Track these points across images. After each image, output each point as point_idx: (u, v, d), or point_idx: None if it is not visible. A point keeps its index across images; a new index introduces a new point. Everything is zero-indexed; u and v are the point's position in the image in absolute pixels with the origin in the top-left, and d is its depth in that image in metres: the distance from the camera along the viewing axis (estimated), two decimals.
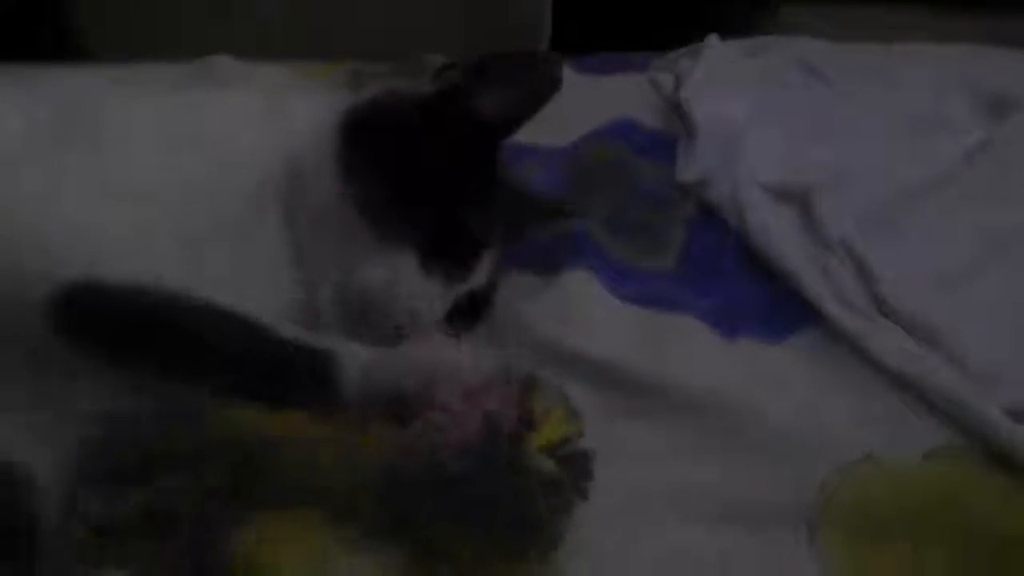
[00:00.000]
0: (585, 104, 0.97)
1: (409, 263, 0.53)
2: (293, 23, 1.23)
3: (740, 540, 0.49)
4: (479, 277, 0.57)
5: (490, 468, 0.43)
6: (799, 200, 0.75)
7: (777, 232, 0.71)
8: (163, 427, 0.45)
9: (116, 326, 0.46)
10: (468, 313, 0.58)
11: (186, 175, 0.51)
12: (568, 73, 1.01)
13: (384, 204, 0.53)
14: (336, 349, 0.47)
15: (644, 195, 0.81)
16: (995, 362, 0.57)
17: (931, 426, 0.55)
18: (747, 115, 0.88)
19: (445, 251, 0.55)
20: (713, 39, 1.01)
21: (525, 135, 0.85)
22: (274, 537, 0.42)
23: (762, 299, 0.68)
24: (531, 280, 0.66)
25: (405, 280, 0.53)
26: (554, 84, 0.61)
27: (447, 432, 0.43)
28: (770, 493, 0.51)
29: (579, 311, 0.62)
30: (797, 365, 0.61)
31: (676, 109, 0.92)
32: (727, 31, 1.13)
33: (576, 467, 0.47)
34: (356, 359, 0.47)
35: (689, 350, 0.61)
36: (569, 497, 0.45)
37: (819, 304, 0.64)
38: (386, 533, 0.42)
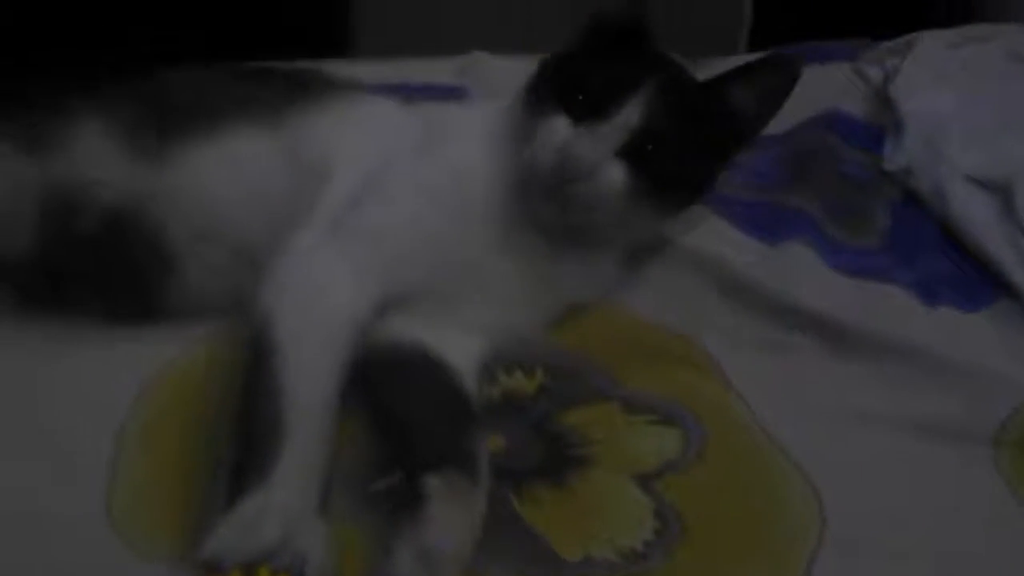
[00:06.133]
0: (796, 93, 1.09)
1: (560, 121, 0.62)
2: None
3: (929, 451, 0.62)
4: (626, 117, 0.61)
5: None
6: (999, 189, 0.85)
7: (978, 219, 0.82)
8: None
9: None
10: (645, 169, 0.62)
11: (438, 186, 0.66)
12: None
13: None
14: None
15: (851, 179, 0.93)
16: None
17: None
18: (954, 107, 0.97)
19: (591, 109, 0.62)
20: (924, 34, 1.09)
21: None
22: None
23: (960, 275, 0.79)
24: (757, 245, 0.80)
25: (558, 132, 0.62)
26: (794, 81, 0.67)
27: None
28: (954, 420, 0.64)
29: (802, 276, 0.75)
30: (990, 329, 0.73)
31: (884, 101, 1.02)
32: (932, 18, 1.20)
33: None
34: None
35: (895, 312, 0.74)
36: None
37: (1012, 280, 0.75)
38: None
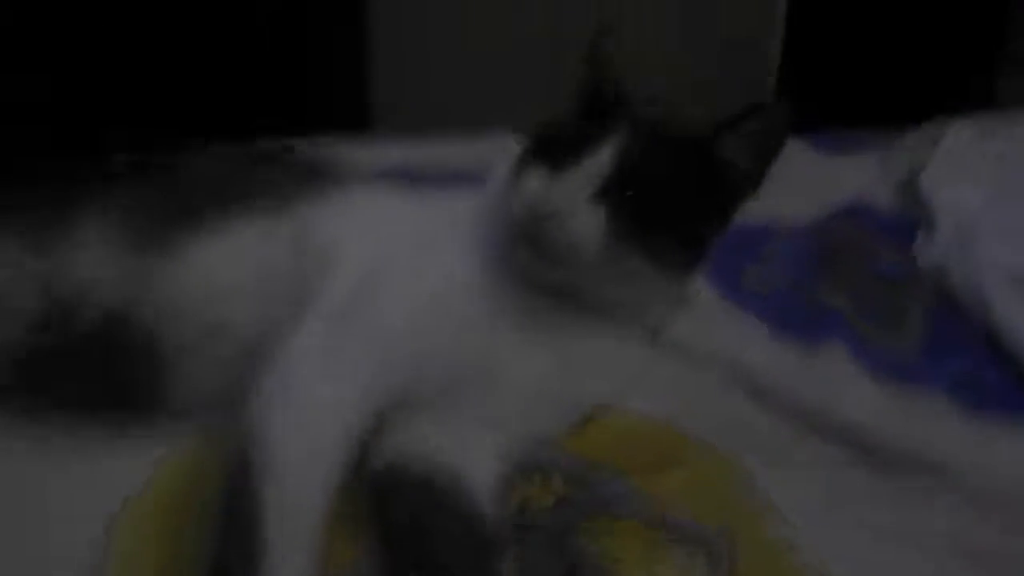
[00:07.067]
0: (823, 182, 1.07)
1: (536, 172, 0.61)
2: None
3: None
4: (598, 161, 0.60)
5: None
6: None
7: (1018, 322, 0.78)
8: None
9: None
10: (626, 216, 0.60)
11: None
12: (807, 150, 1.12)
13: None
14: None
15: (883, 276, 0.90)
16: None
17: None
18: (985, 200, 0.94)
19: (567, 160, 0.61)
20: (952, 125, 1.07)
21: (768, 209, 0.97)
22: None
23: (1003, 379, 0.75)
24: (789, 348, 0.77)
25: (533, 181, 0.60)
26: (786, 126, 0.64)
27: None
28: (1002, 543, 0.60)
29: (838, 384, 0.72)
30: None
31: (914, 192, 1.00)
32: (960, 103, 1.18)
33: None
34: None
35: (932, 421, 0.70)
36: None
37: None
38: None
